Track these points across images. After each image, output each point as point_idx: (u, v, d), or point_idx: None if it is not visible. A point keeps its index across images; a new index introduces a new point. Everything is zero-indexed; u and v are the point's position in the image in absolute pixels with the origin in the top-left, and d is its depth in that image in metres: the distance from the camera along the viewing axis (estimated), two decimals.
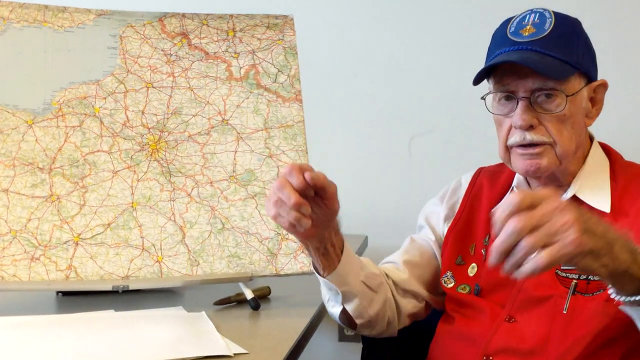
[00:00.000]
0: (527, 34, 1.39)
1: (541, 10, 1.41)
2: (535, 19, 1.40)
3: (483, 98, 1.44)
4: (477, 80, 1.43)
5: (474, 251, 1.52)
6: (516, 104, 1.39)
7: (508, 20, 1.44)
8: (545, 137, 1.38)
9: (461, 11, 2.36)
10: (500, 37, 1.43)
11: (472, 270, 1.50)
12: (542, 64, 1.35)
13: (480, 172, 1.61)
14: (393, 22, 2.41)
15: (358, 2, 2.41)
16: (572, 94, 1.38)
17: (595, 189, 1.42)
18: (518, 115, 1.38)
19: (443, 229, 1.60)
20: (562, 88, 1.37)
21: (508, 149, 1.43)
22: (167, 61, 1.76)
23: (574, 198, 1.42)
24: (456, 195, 1.61)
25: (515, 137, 1.40)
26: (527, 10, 1.43)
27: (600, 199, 1.41)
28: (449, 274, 1.53)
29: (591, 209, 1.39)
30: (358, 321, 1.49)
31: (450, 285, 1.52)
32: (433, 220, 1.62)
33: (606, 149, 1.50)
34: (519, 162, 1.42)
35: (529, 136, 1.39)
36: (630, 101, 2.24)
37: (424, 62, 2.40)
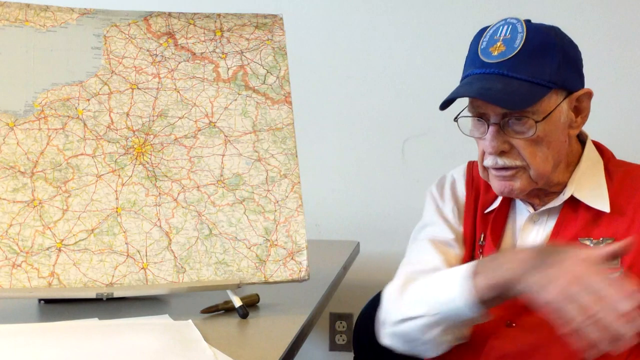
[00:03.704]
0: (496, 52, 1.36)
1: (514, 22, 1.37)
2: (507, 34, 1.36)
3: (456, 120, 1.41)
4: (444, 106, 1.40)
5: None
6: (487, 128, 1.38)
7: (482, 31, 1.41)
8: (517, 161, 1.37)
9: (455, 13, 2.34)
10: (472, 53, 1.41)
11: None
12: (504, 94, 1.32)
13: (472, 165, 1.57)
14: (387, 22, 2.38)
15: (350, 1, 2.39)
16: (544, 118, 1.35)
17: (592, 189, 1.42)
18: (488, 141, 1.37)
19: (458, 222, 1.52)
20: (532, 111, 1.34)
21: (485, 168, 1.43)
22: (153, 62, 1.73)
23: (572, 199, 1.42)
24: (457, 191, 1.55)
25: (488, 161, 1.40)
26: (501, 21, 1.39)
27: (599, 198, 1.40)
28: None
29: (589, 209, 1.40)
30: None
31: None
32: (445, 213, 1.53)
33: (599, 147, 1.49)
34: (495, 183, 1.42)
35: (501, 161, 1.38)
36: (629, 100, 2.22)
37: (417, 64, 2.38)
